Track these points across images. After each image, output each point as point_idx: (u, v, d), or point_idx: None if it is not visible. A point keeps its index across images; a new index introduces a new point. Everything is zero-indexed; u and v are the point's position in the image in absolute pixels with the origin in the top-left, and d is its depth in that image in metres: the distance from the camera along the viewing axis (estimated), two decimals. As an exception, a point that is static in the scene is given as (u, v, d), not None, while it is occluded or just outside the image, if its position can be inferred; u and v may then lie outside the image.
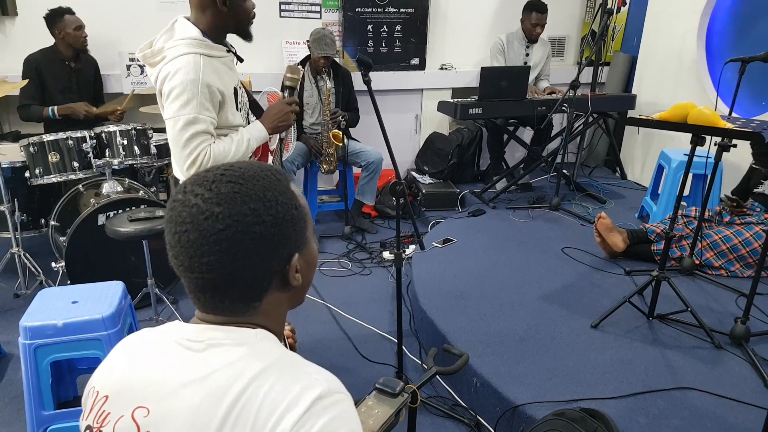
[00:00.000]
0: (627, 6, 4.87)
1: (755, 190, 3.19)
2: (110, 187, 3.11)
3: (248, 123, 1.89)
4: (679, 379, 2.13)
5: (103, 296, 2.20)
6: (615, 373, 2.17)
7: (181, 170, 1.69)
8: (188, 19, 1.71)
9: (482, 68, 3.94)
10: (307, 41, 3.82)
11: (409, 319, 2.92)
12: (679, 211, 3.24)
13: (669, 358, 2.28)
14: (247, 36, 1.80)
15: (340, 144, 3.76)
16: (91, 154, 3.14)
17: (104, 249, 2.95)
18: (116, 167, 3.14)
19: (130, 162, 3.22)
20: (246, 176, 0.77)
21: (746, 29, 3.69)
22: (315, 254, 0.87)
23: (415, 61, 4.70)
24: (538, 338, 2.42)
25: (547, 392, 2.04)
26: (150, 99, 3.91)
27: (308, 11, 4.38)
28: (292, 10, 4.35)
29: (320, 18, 4.41)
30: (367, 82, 2.05)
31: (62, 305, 2.12)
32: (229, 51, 1.79)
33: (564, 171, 4.32)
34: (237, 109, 1.80)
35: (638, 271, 3.02)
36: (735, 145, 2.59)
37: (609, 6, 4.09)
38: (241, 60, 1.85)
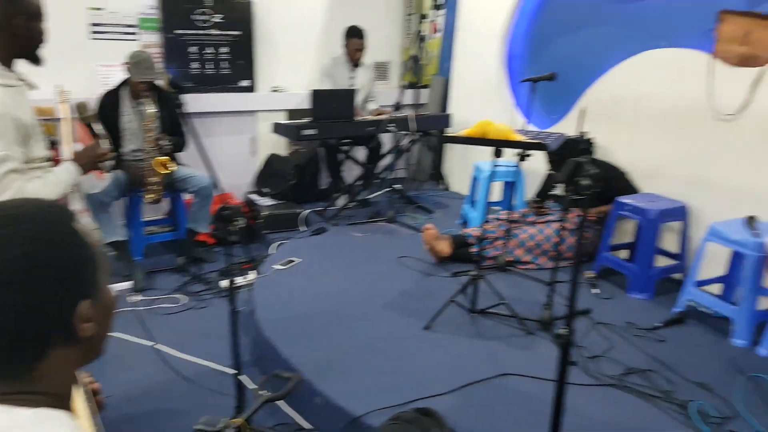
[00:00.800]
0: (440, 33, 5.36)
1: (551, 192, 3.70)
2: None
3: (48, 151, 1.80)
4: (500, 366, 2.38)
5: None
6: (446, 370, 2.36)
7: None
8: None
9: (312, 91, 4.06)
10: (126, 64, 3.60)
11: (252, 349, 2.85)
12: (492, 215, 3.66)
13: (490, 348, 2.54)
14: (36, 60, 1.70)
15: (167, 171, 3.55)
16: None
17: None
18: None
19: None
20: (18, 215, 0.68)
21: (539, 51, 4.28)
22: (111, 298, 0.76)
23: (246, 83, 4.70)
24: (377, 347, 2.54)
25: (386, 398, 2.13)
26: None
27: (123, 33, 4.15)
28: (105, 32, 4.10)
29: (137, 40, 4.21)
30: (179, 104, 2.04)
31: None
32: (21, 78, 1.68)
33: (397, 186, 4.60)
34: (40, 140, 1.70)
35: (462, 272, 3.32)
36: (530, 155, 2.98)
37: (422, 33, 4.47)
38: (34, 87, 1.75)
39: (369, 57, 4.74)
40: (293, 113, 4.87)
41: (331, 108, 4.04)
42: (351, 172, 5.21)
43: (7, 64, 1.63)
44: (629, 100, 3.45)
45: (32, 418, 0.64)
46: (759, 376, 2.30)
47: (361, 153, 4.88)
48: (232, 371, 2.20)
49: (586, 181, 1.51)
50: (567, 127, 3.61)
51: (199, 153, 2.12)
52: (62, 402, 0.70)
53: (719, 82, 2.93)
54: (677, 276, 3.18)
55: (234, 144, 4.80)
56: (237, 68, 4.63)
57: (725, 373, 2.35)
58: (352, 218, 4.35)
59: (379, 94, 5.02)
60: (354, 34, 4.52)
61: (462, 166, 5.10)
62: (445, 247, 3.46)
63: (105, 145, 1.90)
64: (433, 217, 4.44)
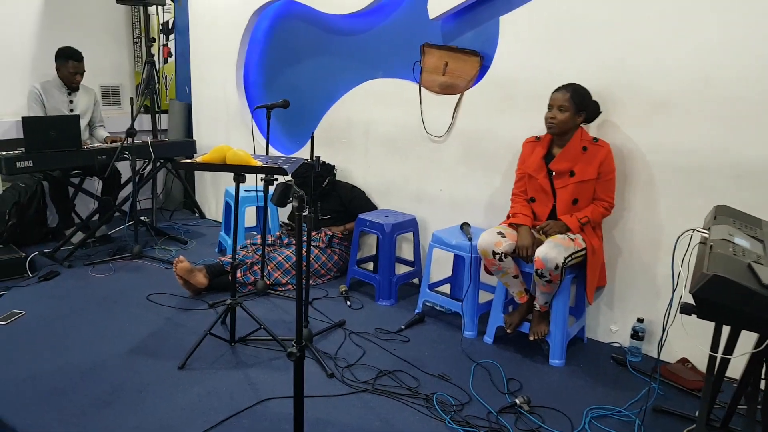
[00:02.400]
0: (173, 57, 5.17)
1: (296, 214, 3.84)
2: None
3: None
4: (259, 393, 2.36)
5: None
6: (203, 407, 2.25)
7: None
8: None
9: (23, 118, 3.54)
10: None
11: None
12: (248, 240, 3.64)
13: (251, 376, 2.50)
14: None
15: None
16: None
17: None
18: None
19: None
20: None
21: (274, 78, 4.41)
22: None
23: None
24: (124, 397, 2.31)
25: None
26: None
27: None
28: None
29: None
30: None
31: None
32: None
33: (143, 217, 4.26)
34: None
35: (220, 302, 3.22)
36: (276, 179, 3.06)
37: (153, 57, 4.25)
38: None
39: (96, 80, 4.35)
40: (3, 144, 4.17)
41: (49, 136, 3.56)
42: (88, 206, 4.68)
43: None
44: (360, 125, 3.79)
45: None
46: (486, 361, 2.69)
47: (95, 184, 4.40)
48: None
49: (296, 202, 1.59)
50: (308, 150, 3.80)
51: None
52: None
53: (428, 108, 3.40)
54: (415, 281, 3.58)
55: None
56: None
57: (460, 362, 2.69)
58: (90, 257, 3.90)
59: (111, 120, 4.64)
60: (70, 56, 4.07)
61: (215, 192, 4.97)
62: (200, 279, 3.32)
63: None
64: (187, 248, 4.22)
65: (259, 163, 2.44)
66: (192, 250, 4.18)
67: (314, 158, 2.63)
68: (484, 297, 3.06)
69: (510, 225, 2.77)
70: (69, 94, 4.19)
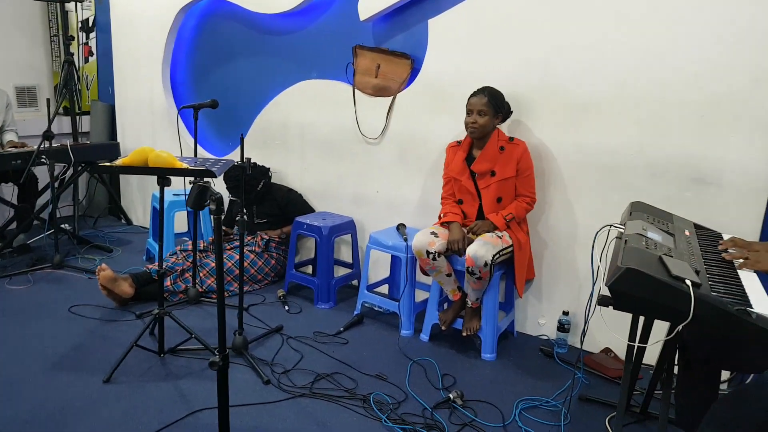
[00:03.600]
0: (95, 56, 4.93)
1: (237, 218, 3.75)
2: None
3: None
4: (191, 404, 2.29)
5: None
6: (130, 422, 2.16)
7: None
8: None
9: None
10: None
11: None
12: (178, 247, 3.52)
13: (181, 387, 2.42)
14: None
15: None
16: None
17: None
18: None
19: None
20: None
21: (202, 78, 4.28)
22: None
23: None
24: (45, 416, 2.17)
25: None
26: None
27: None
28: None
29: None
30: None
31: None
32: None
33: (65, 225, 4.04)
34: None
35: (148, 312, 3.09)
36: (208, 182, 2.96)
37: (72, 56, 4.03)
38: None
39: (10, 81, 4.07)
40: None
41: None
42: (3, 214, 4.39)
43: None
44: (296, 126, 3.74)
45: None
46: (423, 359, 2.73)
47: (9, 191, 4.13)
48: None
49: (213, 205, 1.56)
50: (245, 152, 3.71)
51: None
52: None
53: (362, 110, 3.41)
54: (354, 282, 3.57)
55: None
56: None
57: (397, 361, 2.71)
58: (6, 269, 3.66)
59: (25, 123, 4.37)
60: None
61: (143, 198, 4.77)
62: (126, 288, 3.17)
63: None
64: (113, 256, 4.04)
65: (184, 165, 2.36)
66: (118, 258, 4.00)
67: (245, 160, 2.58)
68: (420, 296, 3.10)
69: (442, 224, 2.83)
70: None
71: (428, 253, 2.68)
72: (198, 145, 3.49)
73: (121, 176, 4.90)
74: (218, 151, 4.26)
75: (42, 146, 3.56)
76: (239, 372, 2.57)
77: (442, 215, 2.88)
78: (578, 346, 2.83)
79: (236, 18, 3.95)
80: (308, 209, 3.70)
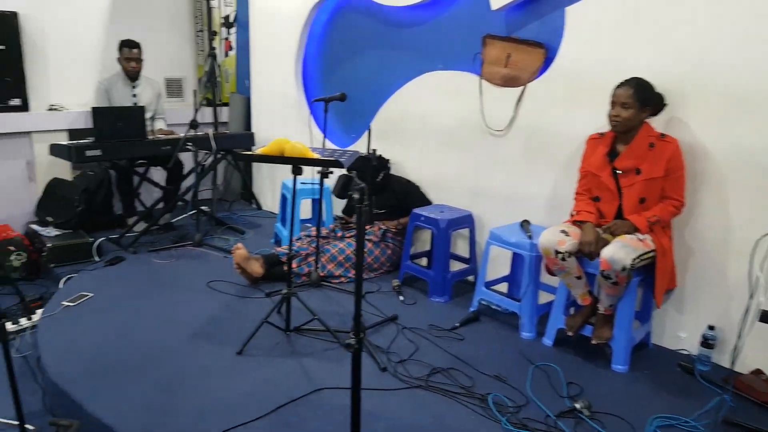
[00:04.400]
0: (234, 50, 5.27)
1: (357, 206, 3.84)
2: None
3: None
4: (314, 382, 2.38)
5: None
6: (260, 393, 2.28)
7: None
8: None
9: (93, 108, 3.73)
10: None
11: (42, 396, 2.48)
12: (303, 232, 3.67)
13: (305, 365, 2.52)
14: None
15: None
16: None
17: None
18: None
19: None
20: None
21: (331, 71, 4.42)
22: None
23: (16, 101, 4.11)
24: (186, 379, 2.37)
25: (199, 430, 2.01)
26: None
27: None
28: None
29: None
30: None
31: None
32: None
33: (204, 207, 4.39)
34: None
35: (276, 292, 3.27)
36: (332, 172, 3.06)
37: (214, 50, 4.33)
38: None
39: (162, 73, 4.49)
40: (76, 133, 4.38)
41: (116, 127, 3.72)
42: (152, 195, 4.85)
43: None
44: (416, 118, 3.74)
45: None
46: (545, 364, 2.60)
47: (159, 174, 4.56)
48: (15, 423, 1.90)
49: (357, 194, 1.55)
50: (364, 145, 3.79)
51: None
52: None
53: (488, 101, 3.32)
54: (470, 278, 3.51)
55: (8, 169, 4.20)
56: (4, 85, 4.04)
57: (516, 364, 2.61)
58: (154, 244, 4.04)
59: (174, 112, 4.79)
60: (125, 44, 4.27)
61: (272, 185, 5.05)
62: (257, 268, 3.37)
63: None
64: (245, 237, 4.31)
65: (316, 156, 2.45)
66: (249, 240, 4.26)
67: (371, 151, 2.61)
68: (543, 297, 2.97)
69: (574, 223, 2.67)
70: (133, 87, 4.35)
71: (557, 252, 2.55)
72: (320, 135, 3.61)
73: (254, 164, 5.22)
74: (341, 142, 4.39)
75: (188, 134, 3.87)
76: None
77: (574, 213, 2.72)
78: (723, 364, 2.56)
79: (365, 12, 4.02)
80: (426, 201, 3.69)
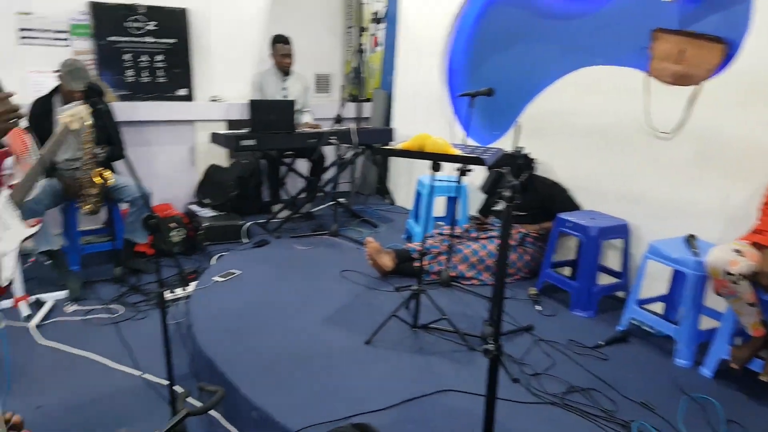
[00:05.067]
0: (382, 47, 5.34)
1: (493, 207, 3.69)
2: None
3: None
4: (439, 382, 2.30)
5: None
6: (386, 385, 2.26)
7: None
8: None
9: (251, 101, 3.99)
10: (58, 71, 3.44)
11: (190, 361, 2.71)
12: (436, 230, 3.60)
13: (432, 363, 2.46)
14: None
15: (103, 182, 3.35)
16: None
17: None
18: None
19: None
20: None
21: (478, 66, 4.30)
22: None
23: (183, 91, 4.53)
24: (318, 360, 2.43)
25: (324, 413, 2.03)
26: None
27: (54, 39, 4.02)
28: (34, 38, 3.95)
29: (69, 46, 4.07)
30: (100, 109, 1.90)
31: None
32: None
33: (341, 199, 4.51)
34: None
35: (405, 287, 3.24)
36: (471, 170, 2.95)
37: (363, 46, 4.42)
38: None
39: (311, 69, 4.69)
40: (233, 123, 4.73)
41: (269, 119, 3.94)
42: (294, 185, 5.10)
43: None
44: (568, 116, 3.49)
45: None
46: (702, 397, 2.28)
47: (303, 166, 4.77)
48: (165, 383, 2.05)
49: (507, 192, 1.44)
50: (508, 143, 3.62)
51: (128, 163, 1.99)
52: None
53: (655, 100, 2.99)
54: (620, 294, 3.20)
55: (173, 153, 4.64)
56: (173, 77, 4.48)
57: (667, 393, 2.32)
58: (295, 231, 4.24)
59: (319, 107, 4.96)
60: (278, 40, 4.48)
61: (407, 181, 5.06)
62: (388, 261, 3.38)
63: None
64: (378, 231, 4.36)
65: (457, 152, 2.37)
66: (381, 234, 4.29)
67: (517, 149, 2.47)
68: (705, 323, 2.61)
69: (753, 243, 2.30)
70: (283, 80, 4.59)
71: (728, 274, 2.21)
72: (462, 132, 3.51)
73: (391, 160, 5.27)
74: (483, 140, 4.24)
75: (332, 128, 4.00)
76: (485, 363, 2.49)
77: (757, 230, 2.34)
78: None
79: (520, 4, 3.85)
80: (572, 206, 3.43)
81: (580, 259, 3.09)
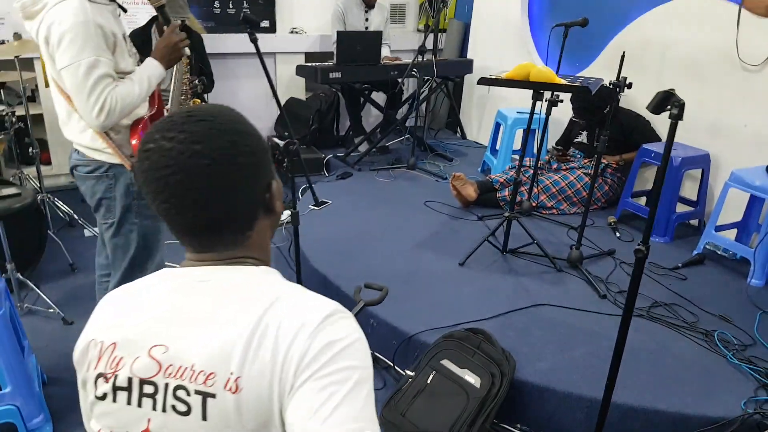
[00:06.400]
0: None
1: (575, 139, 3.81)
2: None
3: None
4: (533, 298, 2.56)
5: (-26, 282, 2.01)
6: (484, 300, 2.53)
7: (88, 118, 1.64)
8: None
9: (338, 33, 4.08)
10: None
11: (297, 281, 3.03)
12: (516, 162, 3.76)
13: (523, 283, 2.71)
14: None
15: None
16: None
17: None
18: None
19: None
20: (213, 113, 0.79)
21: None
22: (279, 182, 0.88)
23: (265, 23, 4.67)
24: (418, 279, 2.71)
25: (434, 321, 2.32)
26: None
27: None
28: None
29: None
30: (254, 40, 2.11)
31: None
32: (112, 0, 1.74)
33: (416, 133, 4.68)
34: (129, 56, 1.77)
35: (488, 216, 3.46)
36: (562, 101, 3.08)
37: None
38: (124, 10, 1.82)
39: (386, -1, 4.70)
40: (309, 56, 4.86)
41: (355, 51, 4.05)
42: (367, 119, 5.27)
43: None
44: (656, 47, 3.51)
45: (262, 270, 0.83)
46: (775, 311, 2.48)
47: (380, 98, 4.91)
48: None
49: (675, 110, 1.56)
50: (593, 73, 3.67)
51: (272, 93, 2.22)
52: (267, 263, 0.87)
53: (746, 32, 3.00)
54: (693, 222, 3.35)
55: (254, 87, 4.81)
56: (257, 8, 4.58)
57: (744, 308, 2.52)
58: (374, 164, 4.45)
59: (394, 38, 5.00)
60: None
61: (479, 115, 5.17)
62: (472, 192, 3.59)
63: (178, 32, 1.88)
64: (452, 165, 4.53)
65: (563, 81, 2.50)
66: (456, 167, 4.47)
67: (620, 79, 2.59)
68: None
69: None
70: (366, 11, 4.65)
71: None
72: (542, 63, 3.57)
73: (464, 93, 5.34)
74: (564, 71, 4.29)
75: (415, 60, 4.10)
76: (574, 283, 2.73)
77: None
78: None
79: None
80: (655, 138, 3.52)
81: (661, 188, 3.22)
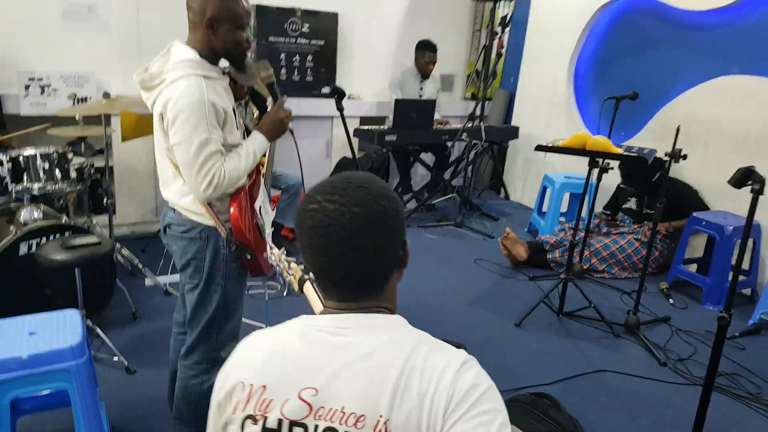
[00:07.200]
0: (504, 48, 5.58)
1: (624, 205, 3.90)
2: (28, 214, 2.93)
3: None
4: (593, 363, 2.58)
5: (61, 325, 2.09)
6: (543, 363, 2.57)
7: (196, 192, 1.71)
8: (184, 43, 1.73)
9: (396, 100, 4.34)
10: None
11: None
12: (567, 225, 3.86)
13: (581, 347, 2.74)
14: (238, 65, 1.83)
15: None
16: (7, 179, 2.94)
17: (18, 280, 2.74)
18: (36, 193, 2.97)
19: (51, 187, 3.05)
20: (367, 180, 0.89)
21: (605, 72, 4.49)
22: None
23: (326, 90, 4.95)
24: (474, 337, 2.77)
25: (495, 383, 2.34)
26: (59, 120, 3.69)
27: None
28: None
29: None
30: (341, 109, 2.26)
31: (18, 337, 2.01)
32: (224, 74, 1.81)
33: (462, 193, 4.83)
34: (236, 129, 1.83)
35: (541, 277, 3.53)
36: (612, 168, 3.19)
37: (491, 49, 4.66)
38: (235, 83, 1.88)
39: (436, 69, 4.95)
40: (364, 120, 5.12)
41: (411, 117, 4.29)
42: (414, 178, 5.44)
43: (213, 62, 1.76)
44: (703, 122, 3.64)
45: (396, 318, 0.92)
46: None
47: (428, 159, 5.10)
48: None
49: (756, 186, 1.65)
50: (638, 143, 3.80)
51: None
52: (395, 313, 0.96)
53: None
54: (745, 291, 3.36)
55: (311, 146, 5.07)
56: (319, 75, 4.89)
57: (806, 381, 2.52)
58: (421, 221, 4.58)
59: (442, 105, 5.23)
60: (428, 48, 4.74)
61: (524, 177, 5.31)
62: (522, 252, 3.67)
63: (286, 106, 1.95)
64: (499, 224, 4.63)
65: (619, 151, 2.62)
66: (502, 226, 4.56)
67: (675, 150, 2.70)
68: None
69: None
70: (421, 81, 4.92)
71: None
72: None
73: (508, 157, 5.51)
74: (611, 141, 4.44)
75: (466, 125, 4.31)
76: (633, 348, 2.76)
77: None
78: None
79: (654, 14, 4.01)
80: (703, 206, 3.59)
81: (714, 256, 3.27)
